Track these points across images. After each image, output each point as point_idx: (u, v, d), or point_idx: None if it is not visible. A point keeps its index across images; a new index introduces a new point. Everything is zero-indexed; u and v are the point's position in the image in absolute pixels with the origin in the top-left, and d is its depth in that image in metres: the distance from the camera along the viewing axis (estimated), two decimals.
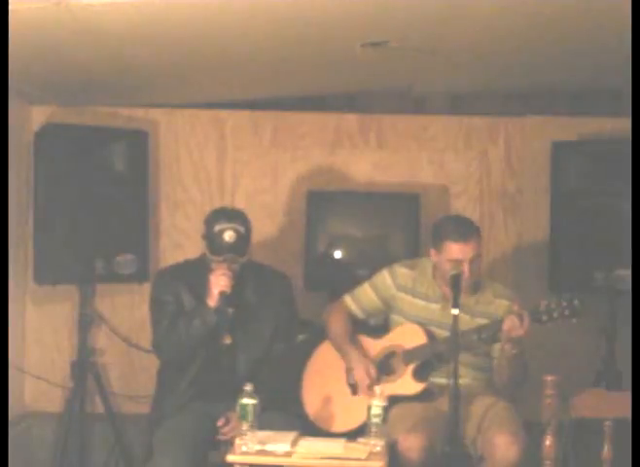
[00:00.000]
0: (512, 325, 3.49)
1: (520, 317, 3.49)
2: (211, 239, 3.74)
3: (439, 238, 3.71)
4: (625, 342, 3.58)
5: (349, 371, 3.84)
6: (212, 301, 3.69)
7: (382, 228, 4.66)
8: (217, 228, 3.72)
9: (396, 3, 3.13)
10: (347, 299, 3.98)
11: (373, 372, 3.77)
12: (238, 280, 3.77)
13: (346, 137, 4.91)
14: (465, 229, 3.69)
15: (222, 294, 3.67)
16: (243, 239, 3.74)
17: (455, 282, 3.53)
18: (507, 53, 3.90)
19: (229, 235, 3.70)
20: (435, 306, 3.78)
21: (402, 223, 4.64)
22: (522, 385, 3.70)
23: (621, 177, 4.14)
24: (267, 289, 3.89)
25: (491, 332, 3.61)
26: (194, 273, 3.83)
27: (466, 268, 3.62)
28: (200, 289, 3.76)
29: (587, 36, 3.58)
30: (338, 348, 3.90)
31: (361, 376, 3.77)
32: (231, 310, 3.72)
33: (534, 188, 4.84)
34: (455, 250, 3.64)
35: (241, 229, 3.73)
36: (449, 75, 4.42)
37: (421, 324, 3.77)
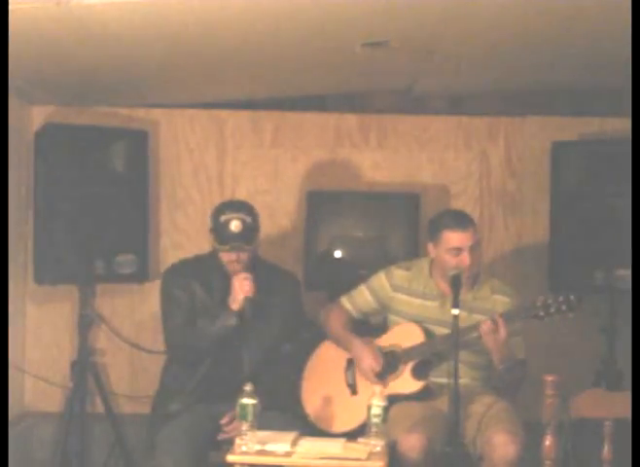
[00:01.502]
0: (485, 330, 3.52)
1: (495, 323, 3.51)
2: (218, 230, 3.74)
3: (436, 230, 3.73)
4: (625, 342, 3.58)
5: (356, 361, 3.80)
6: (236, 305, 3.69)
7: (382, 228, 4.66)
8: (223, 218, 3.73)
9: (396, 3, 3.13)
10: (344, 300, 3.99)
11: (380, 359, 3.75)
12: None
13: (346, 137, 4.91)
14: (462, 218, 3.73)
15: (247, 299, 3.68)
16: (250, 229, 3.73)
17: (455, 282, 3.53)
18: (507, 53, 3.90)
19: (235, 225, 3.70)
20: (432, 304, 3.78)
21: (402, 223, 4.64)
22: (519, 389, 3.70)
23: (620, 177, 4.14)
24: (277, 288, 3.89)
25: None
26: (204, 268, 3.84)
27: (466, 256, 3.63)
28: (211, 284, 3.78)
29: (588, 36, 3.58)
30: (341, 341, 3.89)
31: (368, 363, 3.75)
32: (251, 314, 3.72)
33: (534, 188, 4.84)
34: (454, 238, 3.65)
35: (247, 218, 3.74)
36: (449, 75, 4.43)
37: (419, 322, 3.77)
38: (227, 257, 3.75)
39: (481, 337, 3.54)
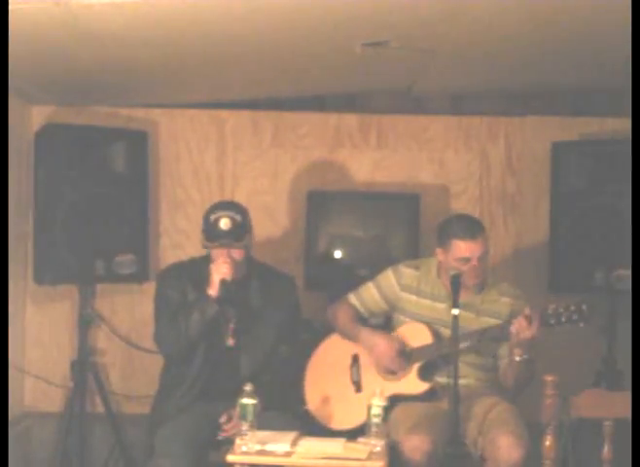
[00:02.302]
0: (519, 327, 3.48)
1: (529, 319, 3.48)
2: (208, 229, 3.74)
3: (446, 237, 3.70)
4: (625, 342, 3.58)
5: (368, 351, 3.78)
6: (213, 289, 3.68)
7: (382, 228, 4.66)
8: (212, 217, 3.73)
9: (396, 3, 3.13)
10: (351, 297, 3.97)
11: (395, 344, 3.73)
12: (243, 281, 3.77)
13: (346, 137, 4.91)
14: (472, 227, 3.69)
15: (222, 282, 3.67)
16: (239, 227, 3.72)
17: (455, 283, 3.53)
18: (507, 52, 3.90)
19: (224, 223, 3.69)
20: (441, 306, 3.76)
21: (402, 223, 4.65)
22: (526, 388, 3.69)
23: (621, 177, 4.14)
24: (273, 291, 3.87)
25: (497, 333, 3.60)
26: (199, 271, 3.82)
27: (475, 264, 3.62)
28: (204, 287, 3.74)
29: (588, 36, 3.58)
30: (352, 333, 3.87)
31: (384, 349, 3.73)
32: (232, 307, 3.71)
33: (534, 188, 4.84)
34: (463, 248, 3.63)
35: (237, 217, 3.72)
36: (449, 75, 4.43)
37: (427, 323, 3.75)
38: (217, 254, 3.73)
39: (514, 335, 3.50)
